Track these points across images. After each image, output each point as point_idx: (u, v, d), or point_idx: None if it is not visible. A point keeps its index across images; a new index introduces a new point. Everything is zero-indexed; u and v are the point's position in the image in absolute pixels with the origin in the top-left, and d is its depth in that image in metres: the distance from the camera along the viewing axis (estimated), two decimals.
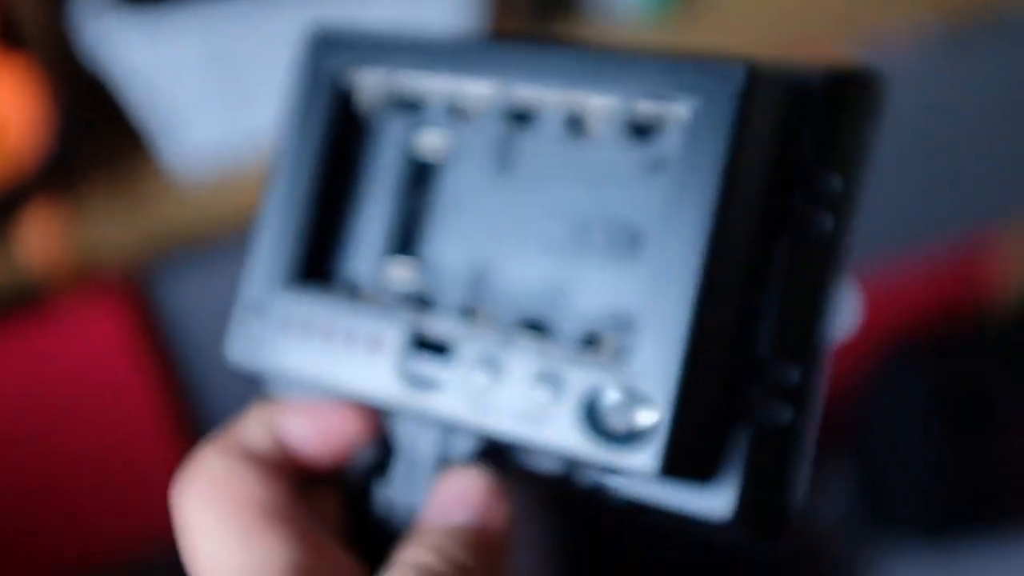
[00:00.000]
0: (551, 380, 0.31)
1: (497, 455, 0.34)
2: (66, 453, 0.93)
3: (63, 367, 0.88)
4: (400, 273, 0.36)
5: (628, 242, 0.33)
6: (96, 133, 0.85)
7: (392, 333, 0.34)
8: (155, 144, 0.83)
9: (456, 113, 0.36)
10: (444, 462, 0.34)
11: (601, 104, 0.33)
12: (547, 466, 0.34)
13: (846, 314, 0.30)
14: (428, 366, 0.33)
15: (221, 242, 0.87)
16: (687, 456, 0.30)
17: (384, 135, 0.37)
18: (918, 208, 1.18)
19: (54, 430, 0.91)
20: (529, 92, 0.34)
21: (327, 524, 0.34)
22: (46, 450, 0.92)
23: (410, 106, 0.37)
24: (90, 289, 0.84)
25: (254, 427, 0.34)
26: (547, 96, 0.34)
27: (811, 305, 0.33)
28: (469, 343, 0.33)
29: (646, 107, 0.32)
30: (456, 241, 0.36)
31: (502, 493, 0.33)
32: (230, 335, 0.37)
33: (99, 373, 0.89)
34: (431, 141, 0.36)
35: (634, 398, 0.30)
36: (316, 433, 0.34)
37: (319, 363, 0.35)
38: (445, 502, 0.33)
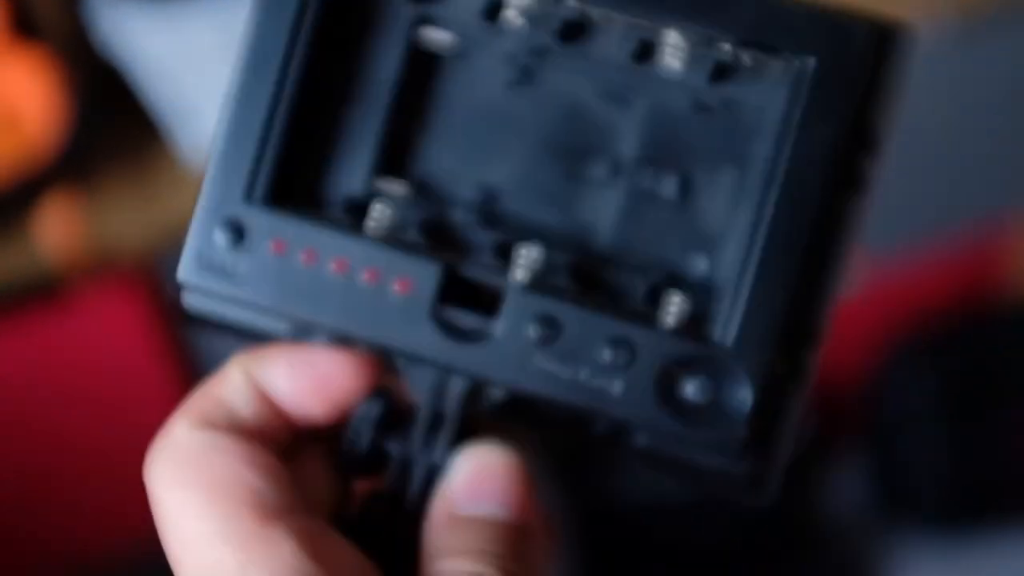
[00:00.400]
0: (623, 346, 0.29)
1: (521, 403, 0.32)
2: (83, 440, 0.94)
3: (80, 355, 0.88)
4: (393, 188, 0.32)
5: (677, 186, 0.31)
6: (112, 123, 0.85)
7: (424, 274, 0.30)
8: (171, 134, 0.84)
9: (489, 19, 0.31)
10: (472, 413, 0.31)
11: (683, 38, 0.30)
12: (568, 413, 0.32)
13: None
14: (463, 314, 0.30)
15: None
16: (757, 434, 0.29)
17: (391, 16, 0.32)
18: (932, 198, 1.18)
19: (71, 417, 0.92)
20: (602, 12, 0.30)
21: (320, 498, 0.31)
22: (63, 437, 0.93)
23: None
24: (107, 278, 0.85)
25: (235, 384, 0.31)
26: (616, 16, 0.30)
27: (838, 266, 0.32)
28: (526, 298, 0.29)
29: (741, 52, 0.30)
30: (457, 157, 0.32)
31: (534, 483, 0.30)
32: (187, 255, 0.31)
33: (116, 361, 0.90)
34: (439, 37, 0.32)
35: (720, 374, 0.29)
36: (309, 385, 0.30)
37: (327, 306, 0.30)
38: (477, 486, 0.30)
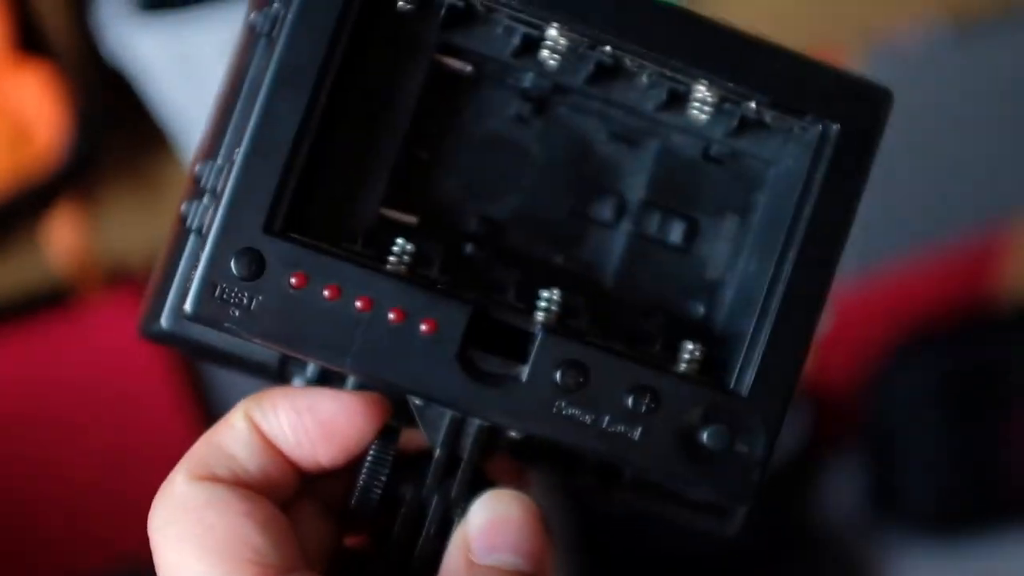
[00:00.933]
0: (647, 394, 0.29)
1: (535, 443, 0.32)
2: (90, 448, 0.94)
3: (87, 365, 0.89)
4: (403, 218, 0.31)
5: (682, 231, 0.31)
6: (119, 134, 0.86)
7: (452, 315, 0.29)
8: (177, 144, 0.84)
9: (522, 54, 0.30)
10: (489, 453, 0.31)
11: (713, 92, 0.30)
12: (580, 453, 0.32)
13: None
14: (489, 357, 0.29)
15: None
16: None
17: (405, 45, 0.31)
18: (929, 202, 1.19)
19: (79, 426, 0.92)
20: (637, 57, 0.30)
21: (318, 546, 0.30)
22: (71, 445, 0.93)
23: (457, 23, 0.31)
24: (113, 288, 0.85)
25: (239, 432, 0.30)
26: (655, 66, 0.30)
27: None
28: (554, 341, 0.29)
29: (767, 111, 0.30)
30: (464, 188, 0.32)
31: (550, 532, 0.30)
32: (198, 286, 0.29)
33: (122, 370, 0.90)
34: (459, 66, 0.31)
35: (737, 422, 0.29)
36: (314, 432, 0.29)
37: (346, 345, 0.29)
38: (494, 536, 0.29)
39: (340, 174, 0.31)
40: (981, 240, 1.28)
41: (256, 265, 0.29)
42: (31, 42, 0.80)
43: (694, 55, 0.29)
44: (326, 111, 0.29)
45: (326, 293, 0.29)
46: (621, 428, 0.29)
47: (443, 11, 0.30)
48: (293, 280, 0.29)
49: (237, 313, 0.29)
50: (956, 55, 1.06)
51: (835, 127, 0.30)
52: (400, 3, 0.30)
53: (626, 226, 0.31)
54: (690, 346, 0.30)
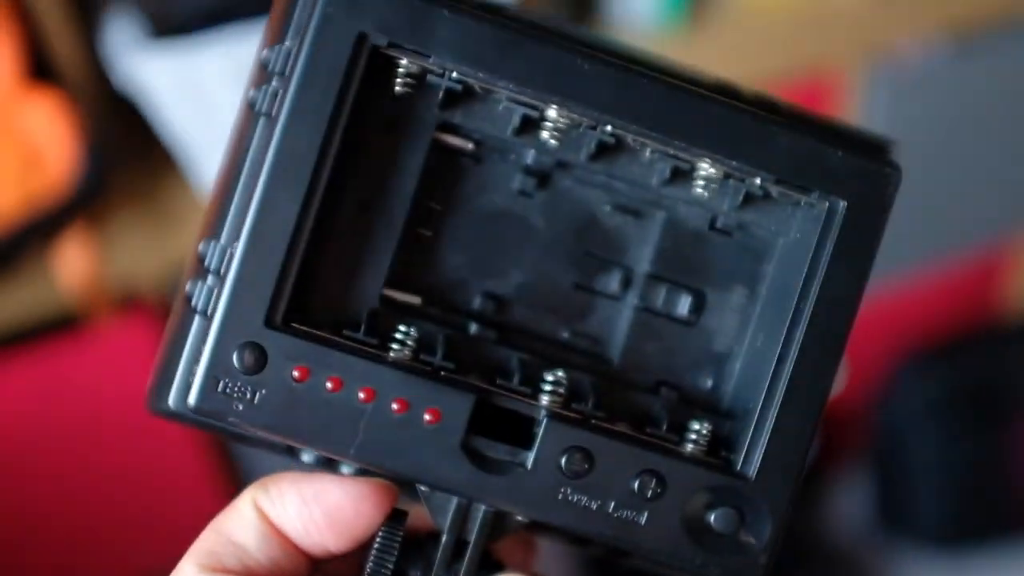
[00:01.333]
0: (653, 478, 0.28)
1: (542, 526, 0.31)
2: (100, 471, 0.94)
3: (97, 388, 0.89)
4: (407, 299, 0.31)
5: (694, 308, 0.31)
6: (129, 159, 0.86)
7: (455, 404, 0.29)
8: (186, 168, 0.85)
9: (523, 132, 0.30)
10: (496, 536, 0.30)
11: (717, 169, 0.30)
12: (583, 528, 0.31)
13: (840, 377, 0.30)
14: (494, 444, 0.29)
15: None
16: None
17: (407, 125, 0.30)
18: (932, 218, 1.19)
19: (89, 447, 0.92)
20: (639, 137, 0.29)
21: None
22: (81, 466, 0.93)
23: (456, 103, 0.30)
24: (124, 311, 0.86)
25: (247, 521, 0.29)
26: (657, 145, 0.29)
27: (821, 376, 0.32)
28: (558, 427, 0.29)
29: (772, 187, 0.30)
30: (467, 264, 0.31)
31: None
32: (201, 380, 0.29)
33: (133, 391, 0.90)
34: (460, 143, 0.31)
35: (745, 505, 0.29)
36: (322, 519, 0.29)
37: (350, 436, 0.29)
38: None
39: (343, 258, 0.30)
40: (985, 255, 1.28)
41: (258, 359, 0.28)
42: (41, 70, 0.80)
43: (696, 135, 0.29)
44: (326, 196, 0.29)
45: (328, 385, 0.28)
46: (627, 513, 0.28)
47: (441, 92, 0.30)
48: (295, 373, 0.28)
49: (240, 407, 0.28)
50: (956, 70, 1.06)
51: (842, 204, 0.29)
52: (398, 86, 0.30)
53: (632, 299, 0.31)
54: (696, 426, 0.30)
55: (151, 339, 0.87)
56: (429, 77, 0.30)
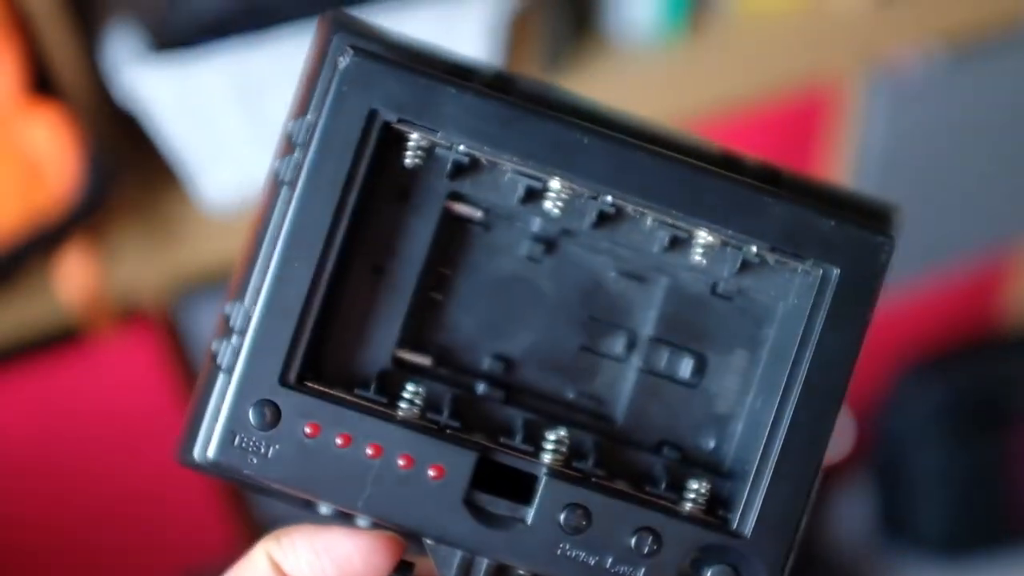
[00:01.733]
0: (649, 535, 0.29)
1: None
2: (102, 481, 0.94)
3: (98, 401, 0.89)
4: (418, 360, 0.33)
5: (696, 369, 0.32)
6: (130, 172, 0.87)
7: (458, 460, 0.30)
8: (187, 181, 0.85)
9: (527, 202, 0.31)
10: None
11: (716, 238, 0.31)
12: None
13: (840, 439, 0.30)
14: (495, 500, 0.30)
15: None
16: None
17: (417, 196, 0.32)
18: (931, 228, 1.19)
19: (90, 459, 0.92)
20: (637, 207, 0.31)
21: None
22: (82, 478, 0.94)
23: (465, 174, 0.32)
24: (125, 323, 0.86)
25: (260, 573, 0.30)
26: (655, 215, 0.31)
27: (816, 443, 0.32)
28: (556, 484, 0.30)
29: (767, 255, 0.31)
30: (477, 326, 0.33)
31: None
32: (219, 433, 0.30)
33: (134, 403, 0.90)
34: (470, 212, 0.32)
35: (742, 568, 0.29)
36: (332, 571, 0.30)
37: (359, 490, 0.30)
38: None
39: (357, 319, 0.32)
40: (986, 264, 1.29)
41: (272, 416, 0.30)
42: (43, 84, 0.81)
43: (691, 205, 0.30)
44: (341, 262, 0.31)
45: (338, 441, 0.30)
46: (624, 568, 0.29)
47: (449, 164, 0.31)
48: (307, 429, 0.30)
49: (255, 461, 0.30)
50: (955, 79, 1.07)
51: (835, 271, 0.30)
52: (408, 159, 0.31)
53: (636, 361, 0.32)
54: (695, 485, 0.31)
55: (151, 352, 0.87)
56: (437, 150, 0.31)
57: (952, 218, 1.20)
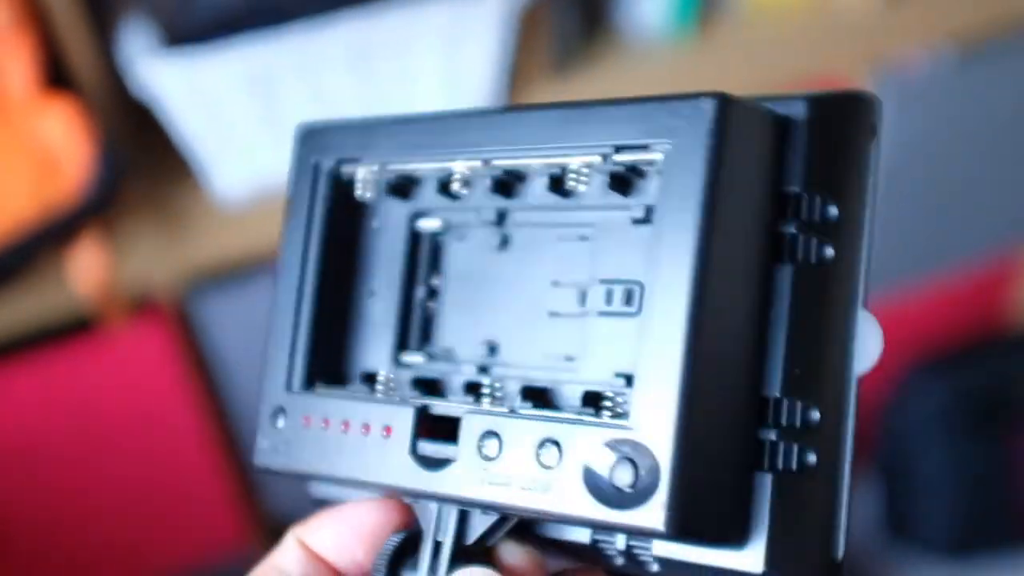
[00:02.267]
0: (552, 446, 0.30)
1: (522, 528, 0.34)
2: (114, 472, 0.95)
3: (112, 389, 0.90)
4: (413, 359, 0.37)
5: (627, 298, 0.32)
6: (143, 165, 0.87)
7: (402, 418, 0.34)
8: (200, 174, 0.86)
9: (449, 194, 0.36)
10: (468, 541, 0.34)
11: (578, 161, 0.33)
12: (574, 536, 0.33)
13: (868, 345, 0.28)
14: (437, 446, 0.33)
15: (263, 268, 0.89)
16: (699, 509, 0.29)
17: (385, 223, 0.38)
18: (937, 228, 1.19)
19: (103, 450, 0.93)
20: (507, 161, 0.34)
21: None
22: (95, 469, 0.94)
23: (406, 192, 0.37)
24: (137, 315, 0.86)
25: (291, 553, 0.35)
26: (526, 162, 0.34)
27: (824, 338, 0.31)
28: (473, 418, 0.32)
29: (621, 158, 0.32)
30: (466, 322, 0.36)
31: None
32: (257, 442, 0.37)
33: (146, 395, 0.91)
34: (431, 224, 0.37)
35: (635, 455, 0.28)
36: (352, 538, 0.35)
37: (341, 460, 0.35)
38: None
39: (360, 333, 0.38)
40: (992, 263, 1.29)
41: (282, 417, 0.36)
42: (57, 77, 0.81)
43: (542, 138, 0.33)
44: (322, 289, 0.37)
45: (321, 424, 0.35)
46: (536, 484, 0.30)
47: (384, 184, 0.37)
48: (302, 422, 0.36)
49: (279, 458, 0.36)
50: (963, 79, 1.07)
51: (668, 145, 0.30)
52: (357, 193, 0.37)
53: (591, 308, 0.33)
54: (617, 397, 0.31)
55: (163, 344, 0.88)
56: (376, 178, 0.37)
57: (959, 218, 1.20)
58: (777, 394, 0.30)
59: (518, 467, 0.31)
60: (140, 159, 0.87)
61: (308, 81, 0.81)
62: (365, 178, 0.37)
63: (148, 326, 0.87)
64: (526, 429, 0.31)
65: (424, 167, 0.36)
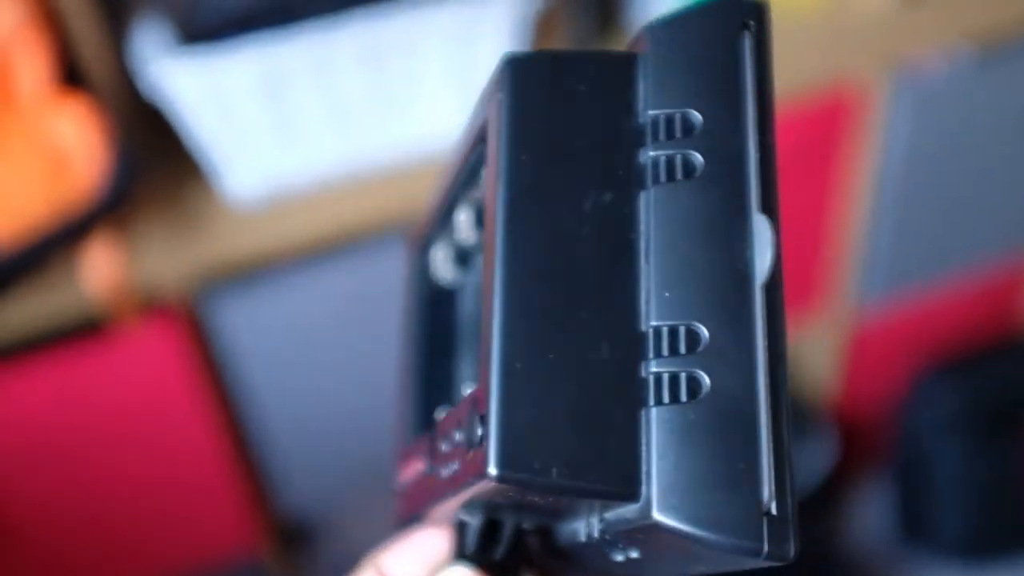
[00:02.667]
0: (435, 437, 0.34)
1: (522, 538, 0.35)
2: (125, 472, 0.95)
3: (123, 390, 0.90)
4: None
5: (463, 259, 0.41)
6: (155, 165, 0.87)
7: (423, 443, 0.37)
8: (211, 174, 0.86)
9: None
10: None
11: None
12: (576, 539, 0.31)
13: (760, 254, 0.25)
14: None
15: (275, 269, 0.89)
16: (537, 453, 0.27)
17: (458, 293, 0.43)
18: (954, 230, 1.19)
19: (114, 450, 0.93)
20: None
21: None
22: (106, 469, 0.94)
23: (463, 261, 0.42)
24: (149, 315, 0.86)
25: None
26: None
27: (702, 252, 0.28)
28: (442, 412, 0.38)
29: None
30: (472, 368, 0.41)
31: None
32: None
33: (157, 395, 0.91)
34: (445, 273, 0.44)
35: (478, 412, 0.28)
36: (418, 561, 0.37)
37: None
38: None
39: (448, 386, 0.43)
40: (1009, 266, 1.28)
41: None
42: (71, 76, 0.81)
43: None
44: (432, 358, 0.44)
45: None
46: (445, 462, 0.32)
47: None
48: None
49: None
50: (981, 80, 1.06)
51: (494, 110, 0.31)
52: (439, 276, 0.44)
53: None
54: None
55: (174, 344, 0.88)
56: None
57: (976, 220, 1.20)
58: (653, 323, 0.28)
59: (443, 457, 0.33)
60: (152, 159, 0.87)
61: (320, 81, 0.80)
62: (440, 260, 0.43)
63: (159, 327, 0.87)
64: (450, 422, 0.33)
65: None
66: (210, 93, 0.79)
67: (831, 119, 1.03)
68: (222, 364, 0.94)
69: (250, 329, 0.92)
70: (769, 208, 0.29)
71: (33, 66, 0.79)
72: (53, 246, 0.78)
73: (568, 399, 0.27)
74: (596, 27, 0.96)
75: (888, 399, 1.29)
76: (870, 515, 1.37)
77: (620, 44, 0.97)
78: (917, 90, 1.02)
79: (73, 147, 0.79)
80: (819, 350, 1.24)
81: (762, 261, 0.28)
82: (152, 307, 0.87)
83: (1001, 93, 1.09)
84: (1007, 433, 1.25)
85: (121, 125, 0.81)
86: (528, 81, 0.29)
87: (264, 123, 0.82)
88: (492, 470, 0.26)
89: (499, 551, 0.34)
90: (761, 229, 0.28)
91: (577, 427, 0.27)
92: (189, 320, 0.90)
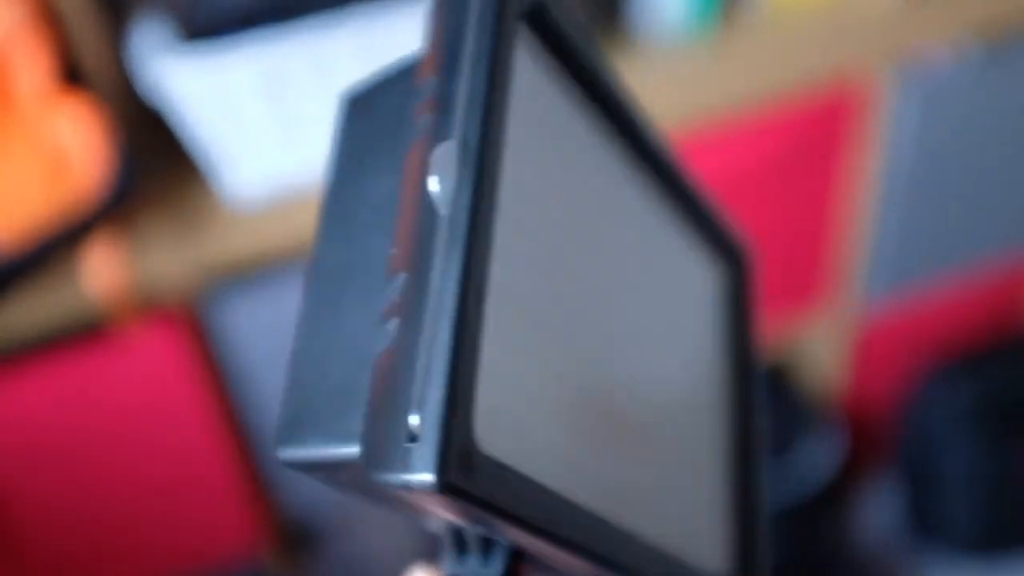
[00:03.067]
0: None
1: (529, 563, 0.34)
2: (127, 472, 0.95)
3: (125, 390, 0.90)
4: None
5: None
6: (156, 165, 0.87)
7: None
8: (212, 175, 0.85)
9: None
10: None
11: None
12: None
13: (443, 183, 0.26)
14: None
15: (275, 269, 0.89)
16: (308, 422, 0.28)
17: None
18: (962, 226, 1.18)
19: (116, 451, 0.93)
20: None
21: None
22: (108, 469, 0.94)
23: None
24: (150, 316, 0.86)
25: None
26: None
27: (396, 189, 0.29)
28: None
29: None
30: None
31: None
32: None
33: (159, 396, 0.91)
34: None
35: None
36: None
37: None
38: None
39: None
40: (1013, 262, 1.27)
41: None
42: (71, 76, 0.81)
43: None
44: None
45: None
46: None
47: None
48: None
49: None
50: (987, 75, 1.05)
51: None
52: None
53: None
54: None
55: (176, 345, 0.88)
56: None
57: (983, 216, 1.19)
58: (388, 282, 0.28)
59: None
60: (153, 160, 0.87)
61: (320, 80, 0.80)
62: None
63: (161, 327, 0.87)
64: None
65: None
66: (210, 92, 0.79)
67: (836, 115, 1.02)
68: (224, 364, 0.94)
69: (251, 329, 0.91)
70: (460, 135, 0.27)
71: (33, 66, 0.78)
72: (54, 247, 0.78)
73: (326, 377, 0.28)
74: (599, 26, 0.95)
75: (895, 397, 1.28)
76: (879, 512, 1.36)
77: (620, 44, 0.96)
78: (922, 85, 1.02)
79: (74, 147, 0.79)
80: (826, 348, 1.23)
81: (444, 190, 0.27)
82: (153, 307, 0.86)
83: (1007, 88, 1.08)
84: (1015, 430, 1.24)
85: (122, 125, 0.81)
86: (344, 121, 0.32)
87: (264, 123, 0.82)
88: (278, 455, 0.28)
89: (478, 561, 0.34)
90: (444, 158, 0.27)
91: (334, 400, 0.27)
92: (190, 320, 0.89)
